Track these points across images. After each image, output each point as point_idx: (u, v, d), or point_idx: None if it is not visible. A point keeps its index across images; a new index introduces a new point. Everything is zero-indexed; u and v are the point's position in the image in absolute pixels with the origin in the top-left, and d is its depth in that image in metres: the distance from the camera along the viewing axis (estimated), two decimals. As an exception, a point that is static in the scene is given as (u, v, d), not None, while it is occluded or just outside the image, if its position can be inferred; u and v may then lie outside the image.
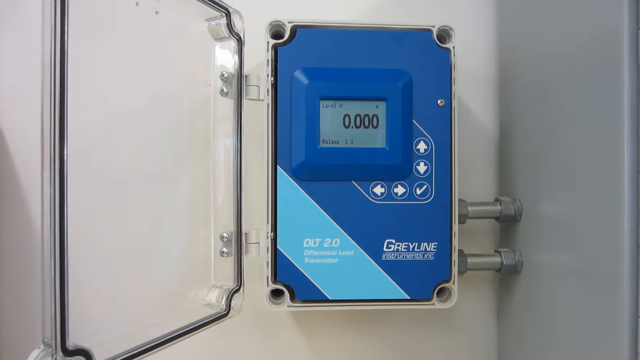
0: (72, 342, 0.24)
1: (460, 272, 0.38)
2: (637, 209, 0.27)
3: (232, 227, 0.37)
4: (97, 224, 0.32)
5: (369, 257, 0.37)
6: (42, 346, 0.24)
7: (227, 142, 0.37)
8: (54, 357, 0.23)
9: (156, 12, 0.32)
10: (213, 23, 0.36)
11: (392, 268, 0.37)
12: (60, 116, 0.23)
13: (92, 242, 0.31)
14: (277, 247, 0.36)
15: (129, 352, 0.29)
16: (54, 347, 0.23)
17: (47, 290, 0.24)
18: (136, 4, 0.31)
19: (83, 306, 0.28)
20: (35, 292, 0.45)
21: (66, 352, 0.24)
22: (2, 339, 0.45)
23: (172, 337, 0.31)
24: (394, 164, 0.36)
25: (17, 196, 0.44)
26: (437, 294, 0.37)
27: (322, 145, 0.36)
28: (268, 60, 0.36)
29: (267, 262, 0.36)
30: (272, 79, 0.37)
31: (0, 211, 0.44)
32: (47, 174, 0.23)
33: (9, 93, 0.44)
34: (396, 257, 0.37)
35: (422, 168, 0.37)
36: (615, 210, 0.28)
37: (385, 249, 0.37)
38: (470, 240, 0.45)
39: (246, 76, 0.37)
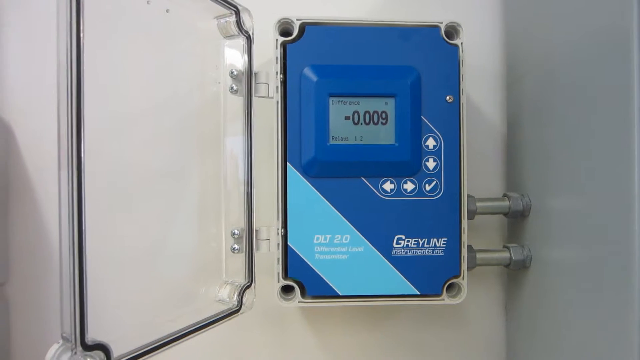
0: (90, 337, 0.25)
1: (469, 268, 0.38)
2: (648, 204, 0.27)
3: (242, 223, 0.37)
4: (110, 221, 0.32)
5: (379, 253, 0.37)
6: (60, 341, 0.25)
7: (237, 139, 0.37)
8: (74, 352, 0.24)
9: (167, 11, 0.32)
10: (222, 21, 0.36)
11: (402, 264, 0.37)
12: (77, 116, 0.23)
13: (105, 239, 0.31)
14: (288, 243, 0.37)
15: (144, 348, 0.29)
16: (73, 342, 0.24)
17: (66, 287, 0.24)
18: (147, 2, 0.31)
19: (98, 302, 0.28)
20: (44, 289, 0.45)
21: (85, 346, 0.24)
22: (12, 335, 0.45)
23: (187, 333, 0.31)
24: (403, 160, 0.37)
25: (27, 194, 0.45)
26: (446, 289, 0.37)
27: (332, 142, 0.36)
28: (277, 58, 0.37)
29: (278, 259, 0.37)
30: (282, 76, 0.37)
31: (10, 209, 0.45)
32: (64, 173, 0.23)
33: (18, 92, 0.45)
34: (406, 252, 0.37)
35: (431, 164, 0.37)
36: (625, 205, 0.28)
37: (395, 245, 0.37)
38: (479, 236, 0.45)
39: (255, 74, 0.37)
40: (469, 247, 0.39)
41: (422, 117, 0.37)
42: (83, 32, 0.23)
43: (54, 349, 0.24)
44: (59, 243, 0.25)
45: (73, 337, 0.24)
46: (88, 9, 0.25)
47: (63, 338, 0.25)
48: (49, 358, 0.24)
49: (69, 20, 0.23)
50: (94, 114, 0.28)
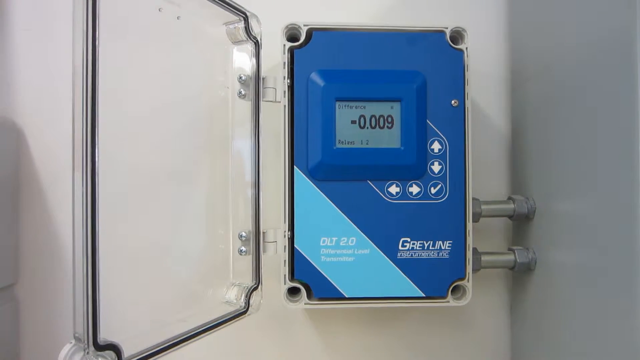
0: (102, 337, 0.25)
1: (474, 270, 0.39)
2: (652, 207, 0.27)
3: (250, 226, 0.38)
4: (120, 223, 0.33)
5: (385, 256, 0.37)
6: (73, 341, 0.25)
7: (245, 142, 0.38)
8: (86, 352, 0.24)
9: (178, 17, 0.33)
10: (231, 27, 0.37)
11: (408, 266, 0.37)
12: (92, 119, 0.24)
13: (114, 240, 0.32)
14: (295, 245, 0.37)
15: (153, 348, 0.29)
16: (85, 342, 0.24)
17: (79, 287, 0.24)
18: (159, 9, 0.31)
19: (108, 303, 0.29)
20: (54, 290, 0.45)
21: (97, 346, 0.24)
22: (22, 335, 0.46)
23: (196, 334, 0.32)
24: (409, 164, 0.37)
25: (38, 195, 0.45)
26: (451, 291, 0.38)
27: (338, 145, 0.37)
28: (284, 63, 0.37)
29: (285, 261, 0.37)
30: (289, 81, 0.37)
31: (21, 210, 0.45)
32: (78, 174, 0.24)
33: (28, 93, 0.45)
34: (411, 255, 0.37)
35: (436, 167, 0.38)
36: (629, 207, 0.28)
37: (400, 248, 0.37)
38: (484, 238, 0.45)
39: (263, 78, 0.38)
40: (474, 250, 0.39)
41: (427, 121, 0.37)
42: (98, 39, 0.24)
43: (66, 348, 0.25)
44: (72, 244, 0.25)
45: (85, 337, 0.24)
46: (103, 15, 0.25)
47: (75, 338, 0.25)
48: (61, 358, 0.25)
49: (84, 26, 0.23)
50: (106, 117, 0.28)
